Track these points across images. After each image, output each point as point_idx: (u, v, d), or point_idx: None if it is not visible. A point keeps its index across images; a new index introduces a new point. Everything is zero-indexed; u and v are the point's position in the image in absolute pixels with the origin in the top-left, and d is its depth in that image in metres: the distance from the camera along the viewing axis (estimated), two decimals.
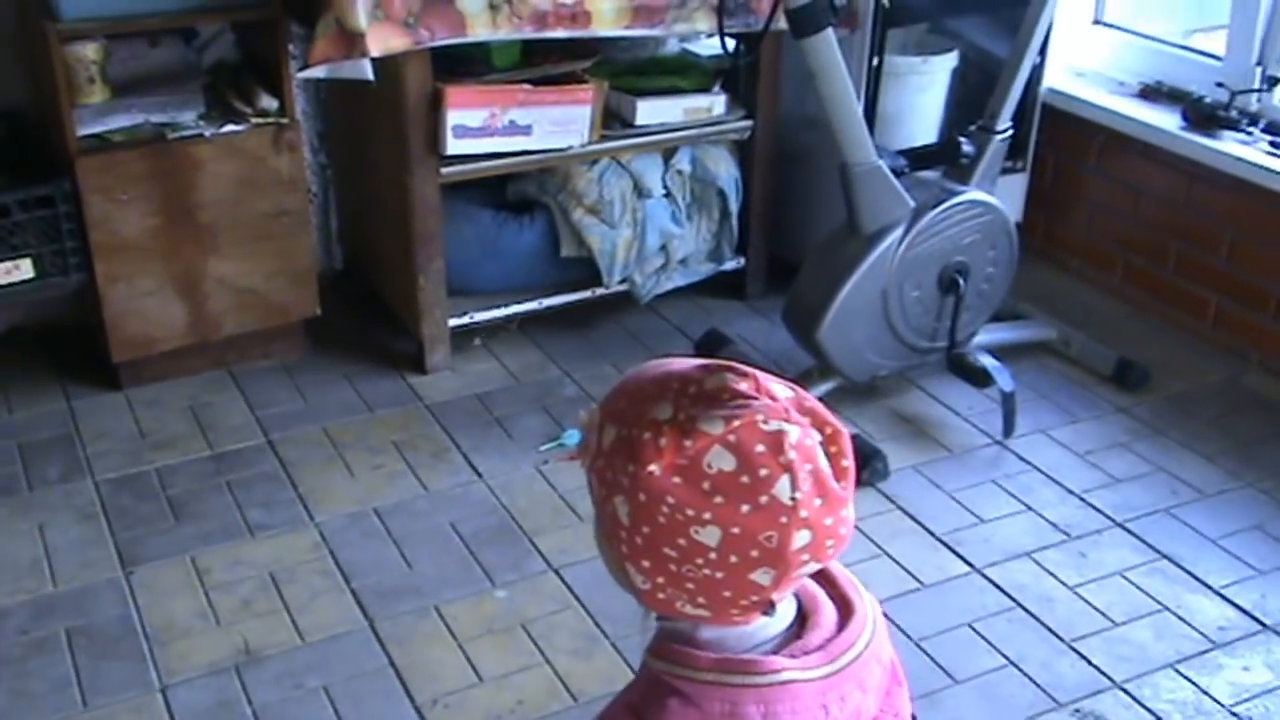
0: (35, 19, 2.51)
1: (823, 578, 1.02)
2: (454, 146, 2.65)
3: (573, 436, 2.65)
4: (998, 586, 2.27)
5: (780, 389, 0.93)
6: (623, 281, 3.00)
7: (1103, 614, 2.22)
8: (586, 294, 3.01)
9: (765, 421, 0.88)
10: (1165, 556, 2.35)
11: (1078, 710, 2.01)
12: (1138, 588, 2.28)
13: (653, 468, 0.87)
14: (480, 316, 2.92)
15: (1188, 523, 2.44)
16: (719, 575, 0.89)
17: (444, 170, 2.70)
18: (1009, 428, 2.70)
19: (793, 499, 0.87)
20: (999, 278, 2.76)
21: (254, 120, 2.66)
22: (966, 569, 2.31)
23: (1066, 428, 2.74)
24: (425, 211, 2.73)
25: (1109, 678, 2.08)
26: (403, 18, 2.44)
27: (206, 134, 2.62)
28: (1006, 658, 2.11)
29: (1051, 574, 2.31)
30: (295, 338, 2.93)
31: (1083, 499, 2.52)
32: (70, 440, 2.61)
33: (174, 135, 2.61)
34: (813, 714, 0.91)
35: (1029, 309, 3.07)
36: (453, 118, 2.61)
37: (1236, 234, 2.94)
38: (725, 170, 3.02)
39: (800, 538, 0.88)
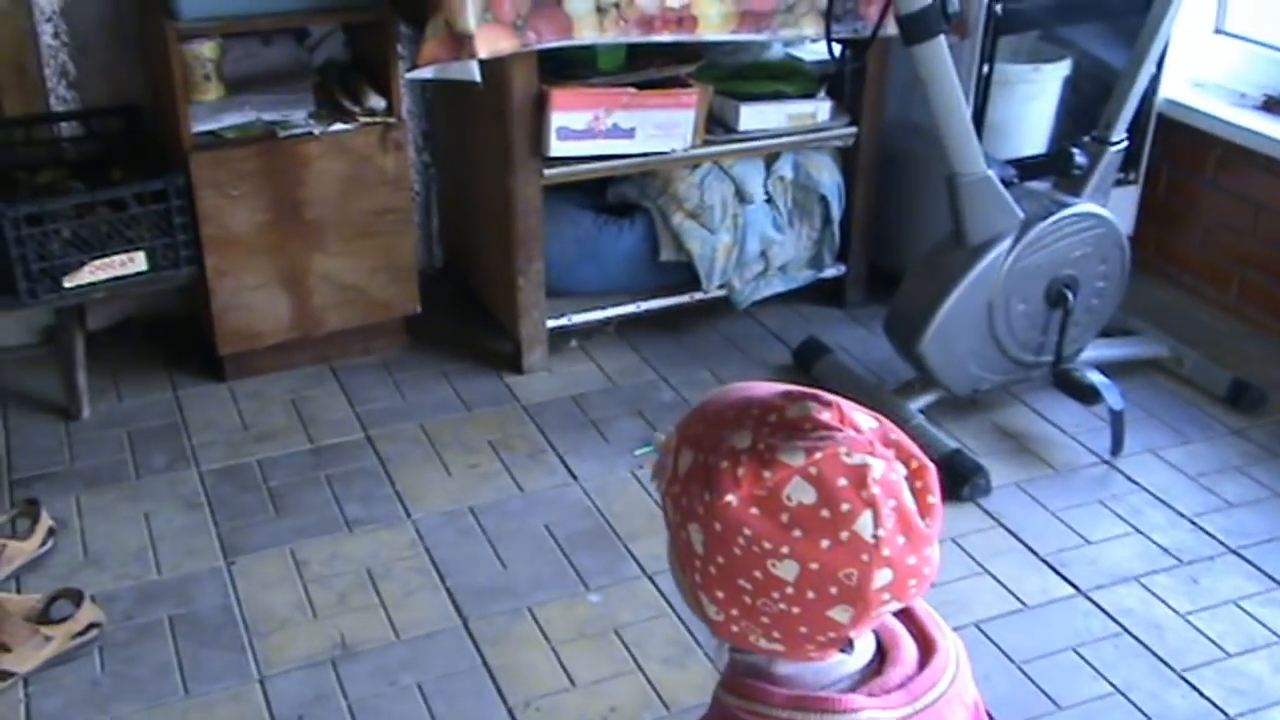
0: (156, 18, 2.57)
1: (904, 614, 0.99)
2: (557, 148, 2.65)
3: None
4: (1104, 611, 2.20)
5: (865, 420, 0.90)
6: (721, 286, 2.98)
7: (1215, 644, 2.14)
8: (684, 298, 3.00)
9: (849, 454, 0.85)
10: None
11: None
12: (1253, 618, 2.20)
13: (730, 498, 0.85)
14: (578, 318, 2.92)
15: None
16: (795, 610, 0.87)
17: (547, 172, 2.71)
18: (1117, 447, 2.62)
19: (875, 536, 0.84)
20: (1109, 292, 2.69)
21: (362, 119, 2.70)
22: (1071, 591, 2.25)
23: (1178, 449, 2.66)
24: (527, 212, 2.73)
25: (1222, 711, 2.00)
26: (511, 20, 2.45)
27: (316, 132, 2.66)
28: (1113, 685, 2.04)
29: (1161, 600, 2.24)
30: (395, 334, 2.96)
31: (1194, 523, 2.43)
32: (177, 430, 2.67)
33: (284, 133, 2.65)
34: None
35: (1140, 325, 2.98)
36: (557, 120, 2.62)
37: None
38: (828, 177, 2.99)
39: (881, 576, 0.85)
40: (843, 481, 0.84)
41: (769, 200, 2.95)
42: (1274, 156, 2.93)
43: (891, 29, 2.37)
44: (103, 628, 2.08)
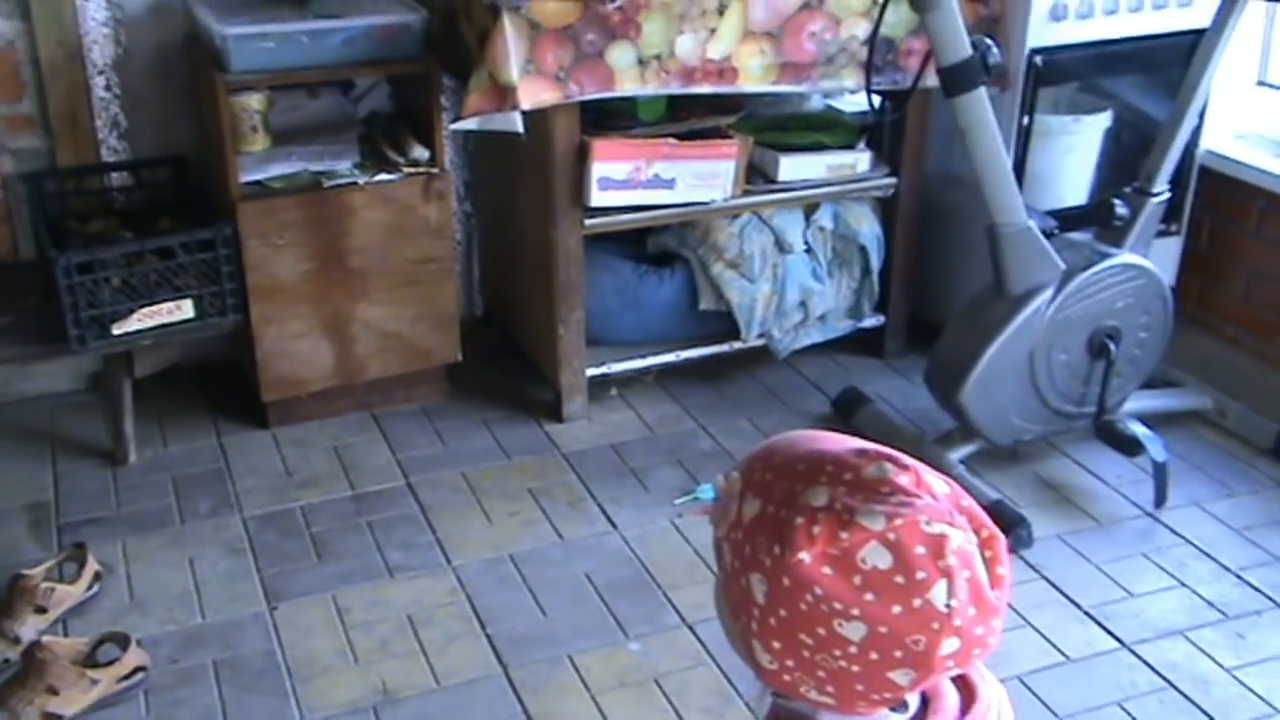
0: (205, 71, 2.63)
1: None
2: (599, 199, 2.68)
3: (707, 491, 2.64)
4: (1149, 665, 2.18)
5: (939, 485, 0.90)
6: (761, 336, 2.99)
7: (1263, 699, 2.11)
8: (724, 347, 3.01)
9: (928, 523, 0.85)
10: None
11: None
12: None
13: (803, 555, 0.85)
14: (617, 367, 2.94)
15: None
16: (855, 669, 0.87)
17: (588, 222, 2.73)
18: (1160, 499, 2.60)
19: (948, 606, 0.84)
20: (1152, 343, 2.67)
21: (406, 170, 2.74)
22: (1115, 645, 2.22)
23: (1222, 501, 2.63)
24: (568, 262, 2.76)
25: None
26: (554, 72, 2.49)
27: (360, 182, 2.70)
28: None
29: (1207, 654, 2.21)
30: (436, 382, 2.99)
31: (1240, 577, 2.40)
32: (221, 476, 2.69)
33: (330, 183, 2.69)
34: None
35: (1183, 376, 2.97)
36: (598, 170, 2.65)
37: None
38: (867, 227, 3.00)
39: (949, 645, 0.86)
40: (920, 550, 0.84)
41: (808, 250, 2.96)
42: None
43: (932, 80, 2.39)
44: (148, 671, 2.10)
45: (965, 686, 0.97)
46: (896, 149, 2.95)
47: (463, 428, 2.88)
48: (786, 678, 0.91)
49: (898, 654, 0.86)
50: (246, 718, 2.04)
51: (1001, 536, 0.90)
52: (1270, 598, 2.34)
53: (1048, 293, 2.50)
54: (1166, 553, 2.47)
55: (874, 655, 0.86)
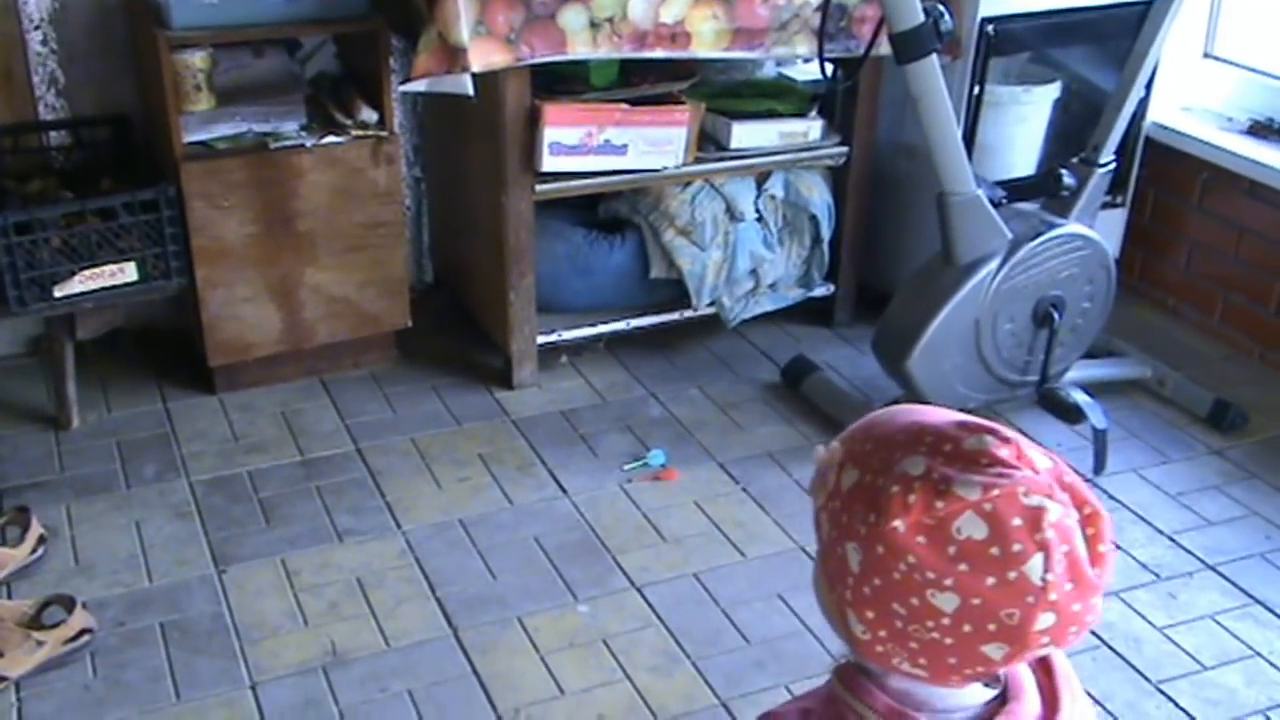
0: (146, 27, 2.58)
1: (1041, 665, 0.97)
2: (550, 164, 2.67)
3: (657, 457, 2.65)
4: None
5: (1041, 459, 0.89)
6: (711, 304, 3.00)
7: (1192, 657, 2.16)
8: (674, 316, 3.01)
9: (1027, 494, 0.84)
10: (1258, 601, 2.29)
11: None
12: (1229, 632, 2.22)
13: (897, 523, 0.84)
14: (568, 334, 2.94)
15: None
16: (948, 641, 0.86)
17: (539, 187, 2.72)
18: (1100, 465, 2.65)
19: (1044, 580, 0.83)
20: (1095, 313, 2.72)
21: (354, 132, 2.71)
22: None
23: (1158, 468, 2.69)
24: (518, 228, 2.75)
25: None
26: (505, 34, 2.47)
27: (307, 144, 2.67)
28: (1091, 696, 2.06)
29: (1140, 614, 2.26)
30: (385, 348, 2.97)
31: (1173, 540, 2.46)
32: (167, 441, 2.67)
33: (276, 145, 2.66)
34: None
35: (1124, 346, 3.02)
36: (550, 135, 2.64)
37: None
38: (818, 196, 3.02)
39: (1044, 620, 0.84)
40: (1017, 521, 0.83)
41: (760, 218, 2.97)
42: (1258, 180, 2.98)
43: (884, 48, 2.40)
44: (94, 634, 2.08)
45: (1051, 698, 0.95)
46: (848, 117, 2.97)
47: (412, 394, 2.87)
48: (879, 648, 0.90)
49: (991, 627, 0.84)
50: (195, 679, 2.03)
51: (1105, 514, 0.89)
52: (1202, 560, 2.40)
53: (995, 262, 2.53)
54: None
55: (967, 627, 0.85)
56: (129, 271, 2.60)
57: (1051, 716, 0.93)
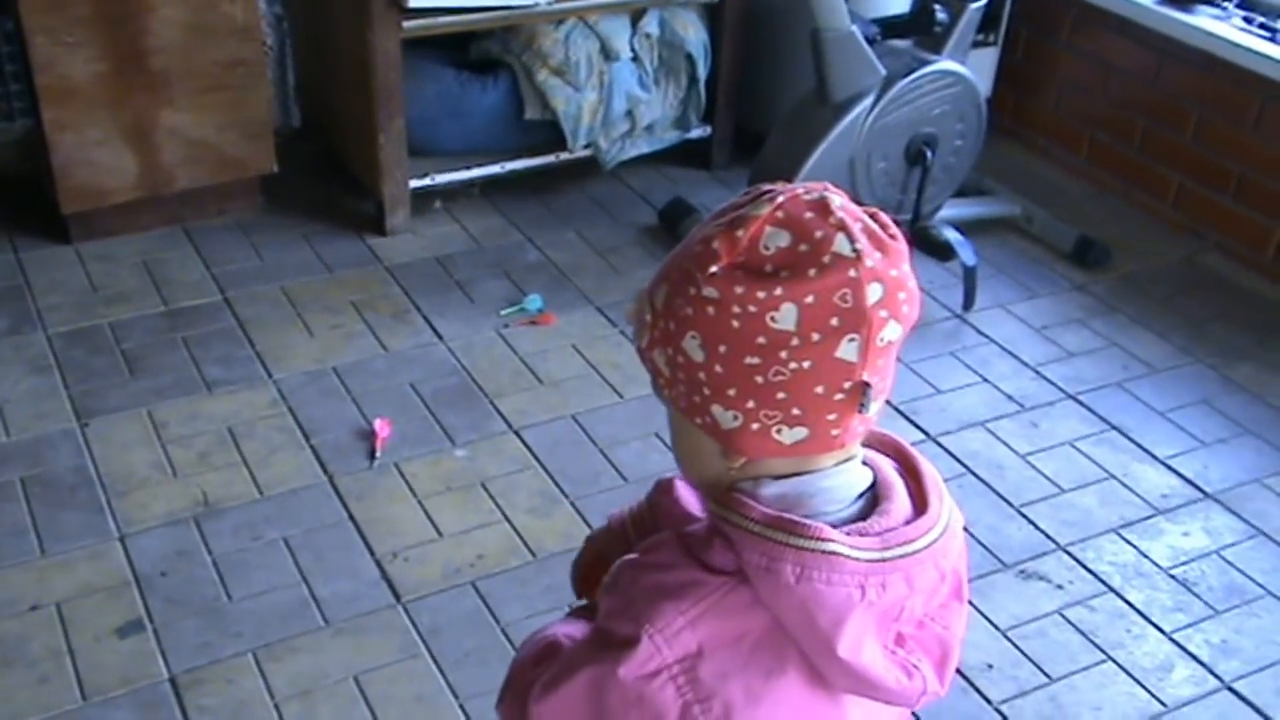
0: None
1: (909, 472, 0.99)
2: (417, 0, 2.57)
3: (534, 302, 2.63)
4: (951, 454, 2.31)
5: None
6: (587, 146, 2.96)
7: (1051, 481, 2.26)
8: (550, 158, 2.96)
9: (807, 193, 0.89)
10: (1114, 428, 2.40)
11: (1023, 571, 2.07)
12: (1086, 457, 2.32)
13: (713, 269, 0.87)
14: (441, 178, 2.87)
15: (1138, 396, 2.49)
16: (806, 365, 0.87)
17: (405, 24, 2.62)
18: (969, 302, 2.71)
19: (855, 250, 0.86)
20: (966, 151, 2.74)
21: None
22: (922, 437, 2.34)
23: (1025, 303, 2.77)
24: (386, 67, 2.65)
25: (1054, 541, 2.13)
26: None
27: None
28: None
29: (1004, 443, 2.35)
30: (251, 195, 2.87)
31: (1037, 372, 2.55)
32: (20, 293, 2.56)
33: None
34: (847, 590, 0.89)
35: (994, 185, 3.06)
36: None
37: (1203, 113, 2.93)
38: (694, 35, 2.96)
39: (873, 291, 0.87)
40: (809, 215, 0.87)
41: (635, 58, 2.91)
42: (1126, 17, 3.00)
43: None
44: None
45: (921, 500, 0.96)
46: None
47: (281, 242, 2.79)
48: (755, 425, 0.90)
49: (834, 321, 0.86)
50: (60, 532, 1.99)
51: (880, 213, 0.93)
52: (1063, 389, 2.50)
53: (869, 99, 2.53)
54: (972, 351, 2.60)
55: (815, 336, 0.87)
56: None
57: (917, 516, 0.96)
